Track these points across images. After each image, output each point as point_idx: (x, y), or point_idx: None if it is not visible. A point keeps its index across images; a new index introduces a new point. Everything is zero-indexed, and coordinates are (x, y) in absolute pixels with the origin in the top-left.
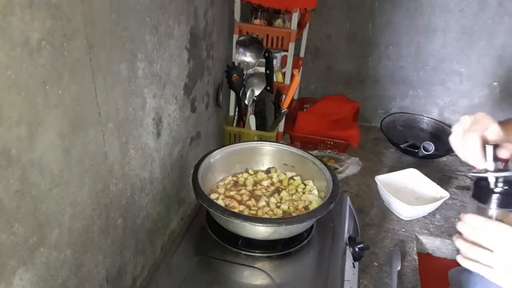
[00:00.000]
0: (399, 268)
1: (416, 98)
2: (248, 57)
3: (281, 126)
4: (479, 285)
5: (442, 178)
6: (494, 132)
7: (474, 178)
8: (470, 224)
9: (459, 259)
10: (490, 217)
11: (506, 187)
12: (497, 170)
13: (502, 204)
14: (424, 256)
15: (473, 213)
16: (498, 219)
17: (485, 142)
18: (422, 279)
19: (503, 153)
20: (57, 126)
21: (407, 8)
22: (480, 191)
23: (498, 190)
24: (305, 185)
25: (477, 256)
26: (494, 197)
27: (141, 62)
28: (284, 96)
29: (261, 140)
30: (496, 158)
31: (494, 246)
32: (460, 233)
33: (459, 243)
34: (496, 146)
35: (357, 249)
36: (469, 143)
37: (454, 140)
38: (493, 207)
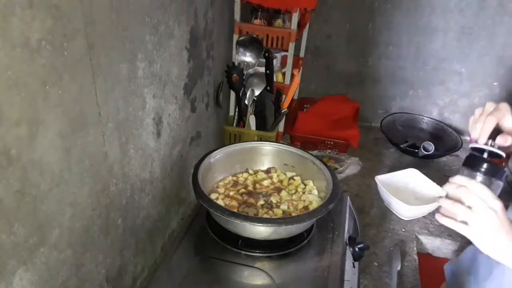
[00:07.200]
0: (399, 268)
1: (416, 98)
2: (248, 57)
3: (281, 126)
4: (472, 275)
5: (442, 178)
6: (509, 121)
7: (470, 150)
8: (456, 182)
9: (437, 216)
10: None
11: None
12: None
13: (487, 172)
14: (424, 256)
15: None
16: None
17: (498, 129)
18: (422, 279)
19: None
20: (57, 126)
21: (407, 8)
22: (471, 160)
23: (487, 159)
24: (305, 185)
25: (457, 210)
26: (483, 166)
27: (141, 62)
28: (284, 96)
29: (261, 140)
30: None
31: (473, 203)
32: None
33: (442, 200)
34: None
35: (357, 249)
36: (486, 125)
37: (473, 120)
38: (479, 174)
